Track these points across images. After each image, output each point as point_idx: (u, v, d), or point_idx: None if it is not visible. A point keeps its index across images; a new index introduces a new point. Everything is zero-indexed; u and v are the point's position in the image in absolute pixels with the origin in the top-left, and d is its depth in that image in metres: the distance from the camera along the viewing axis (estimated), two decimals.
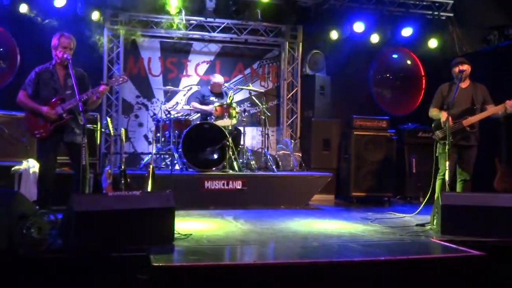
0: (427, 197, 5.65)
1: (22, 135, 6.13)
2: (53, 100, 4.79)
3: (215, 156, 6.70)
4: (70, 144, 4.87)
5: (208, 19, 8.19)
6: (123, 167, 5.30)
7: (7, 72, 7.36)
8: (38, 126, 4.78)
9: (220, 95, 7.70)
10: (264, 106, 7.67)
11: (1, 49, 7.38)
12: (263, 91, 8.51)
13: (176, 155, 6.77)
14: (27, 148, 6.07)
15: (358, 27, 8.35)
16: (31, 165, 5.77)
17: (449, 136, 5.12)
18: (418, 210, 5.85)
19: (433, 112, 5.55)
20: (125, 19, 7.96)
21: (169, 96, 8.00)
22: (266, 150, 7.62)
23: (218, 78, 7.78)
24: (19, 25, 7.24)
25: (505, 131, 6.79)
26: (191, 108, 7.62)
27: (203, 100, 7.57)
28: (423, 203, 5.82)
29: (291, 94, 8.85)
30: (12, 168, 5.80)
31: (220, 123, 6.93)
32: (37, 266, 3.44)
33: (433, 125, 5.57)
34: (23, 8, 7.06)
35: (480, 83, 5.50)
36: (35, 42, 7.04)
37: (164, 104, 7.44)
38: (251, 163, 7.22)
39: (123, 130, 5.66)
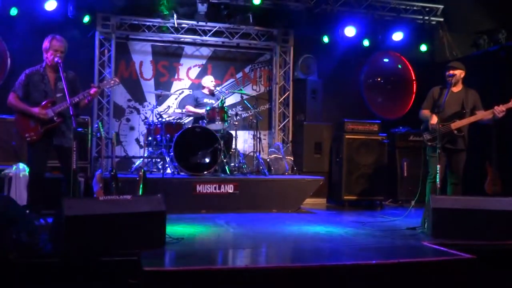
0: (415, 199, 5.67)
1: (12, 138, 6.09)
2: (43, 103, 4.76)
3: (207, 159, 6.69)
4: (59, 147, 4.84)
5: (200, 23, 8.19)
6: (114, 171, 5.28)
7: None
8: (29, 128, 4.74)
9: (212, 96, 7.70)
10: (256, 110, 7.68)
11: None
12: (254, 95, 8.54)
13: (167, 159, 6.75)
14: (17, 151, 6.02)
15: (349, 31, 8.40)
16: (21, 169, 5.73)
17: (439, 139, 5.15)
18: (406, 213, 5.86)
19: (423, 114, 5.58)
20: (117, 22, 7.95)
21: (160, 99, 7.99)
22: (258, 154, 7.62)
23: (206, 79, 7.78)
24: (9, 28, 7.20)
25: (496, 135, 6.84)
26: (184, 111, 7.60)
27: (197, 103, 7.56)
28: (411, 206, 5.83)
29: (283, 98, 8.86)
30: (2, 172, 5.76)
31: (212, 127, 6.92)
32: (28, 270, 3.41)
33: (422, 127, 5.61)
34: (14, 11, 7.03)
35: (472, 89, 5.54)
36: (25, 45, 7.02)
37: (156, 107, 7.42)
38: (243, 167, 7.22)
39: (114, 134, 5.65)
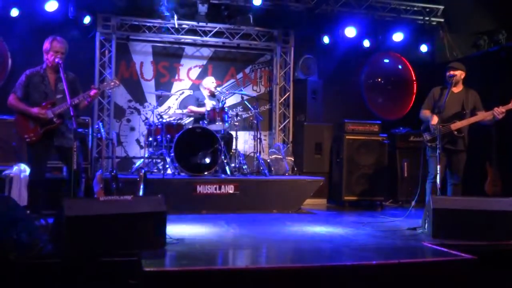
0: (415, 199, 5.67)
1: (12, 138, 6.09)
2: (43, 104, 4.76)
3: (207, 160, 6.69)
4: (60, 148, 4.84)
5: (200, 24, 8.19)
6: (114, 171, 5.28)
7: None
8: (28, 129, 4.75)
9: (213, 98, 7.70)
10: (256, 110, 7.69)
11: None
12: (255, 95, 8.54)
13: (168, 160, 6.76)
14: (17, 152, 6.03)
15: (350, 32, 8.40)
16: (22, 170, 5.74)
17: (439, 140, 5.15)
18: (407, 213, 5.86)
19: (424, 114, 5.58)
20: (117, 23, 7.96)
21: (161, 100, 8.00)
22: (258, 154, 7.63)
23: (207, 80, 7.78)
24: (10, 29, 7.21)
25: (496, 136, 6.85)
26: (186, 111, 7.59)
27: (198, 105, 7.56)
28: (412, 207, 5.83)
29: (283, 98, 8.86)
30: (3, 173, 5.76)
31: (212, 127, 6.93)
32: (28, 271, 3.41)
33: (422, 127, 5.61)
34: (15, 12, 7.04)
35: (473, 89, 5.55)
36: (26, 46, 7.03)
37: (156, 108, 7.43)
38: (243, 167, 7.22)
39: (115, 135, 5.66)
